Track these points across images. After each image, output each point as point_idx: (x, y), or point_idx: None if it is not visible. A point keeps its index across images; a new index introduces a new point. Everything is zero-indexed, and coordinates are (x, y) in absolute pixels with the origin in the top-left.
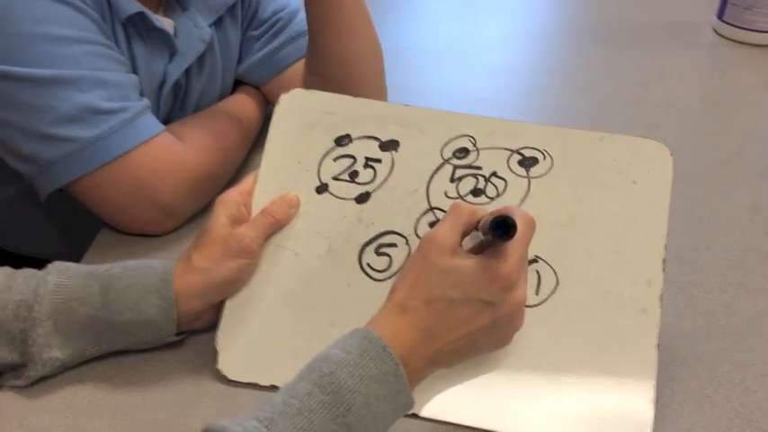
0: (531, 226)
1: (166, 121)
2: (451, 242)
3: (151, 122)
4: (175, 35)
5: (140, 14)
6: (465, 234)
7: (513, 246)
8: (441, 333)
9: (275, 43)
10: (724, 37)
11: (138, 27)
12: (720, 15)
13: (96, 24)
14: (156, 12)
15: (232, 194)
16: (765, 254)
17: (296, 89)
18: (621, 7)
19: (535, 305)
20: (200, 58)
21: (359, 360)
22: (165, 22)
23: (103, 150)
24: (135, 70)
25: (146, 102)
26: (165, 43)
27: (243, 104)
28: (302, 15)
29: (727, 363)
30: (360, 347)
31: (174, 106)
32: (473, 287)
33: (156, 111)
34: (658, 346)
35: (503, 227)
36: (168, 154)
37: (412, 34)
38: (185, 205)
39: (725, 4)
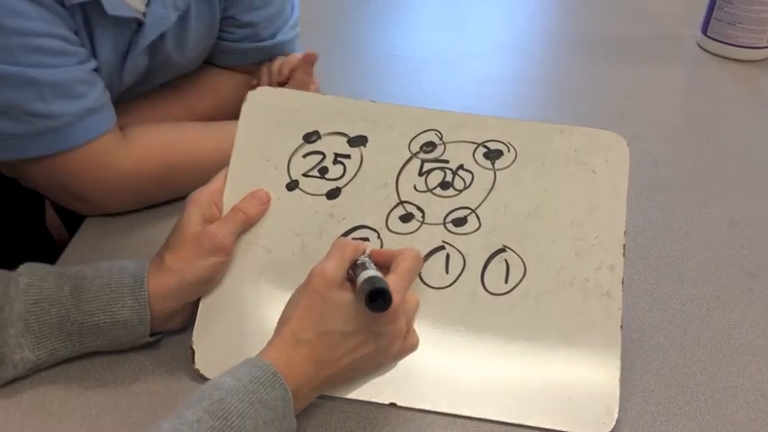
0: (419, 260)
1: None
2: (340, 277)
3: (84, 130)
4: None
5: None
6: (350, 267)
7: (398, 282)
8: (330, 362)
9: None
10: (708, 51)
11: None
12: (705, 30)
13: (47, 9)
14: None
15: (203, 194)
16: (741, 267)
17: (262, 87)
18: (607, 20)
19: (504, 293)
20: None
21: (249, 386)
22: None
23: (28, 147)
24: (95, 46)
25: (85, 105)
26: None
27: (216, 79)
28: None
29: (700, 374)
30: (250, 374)
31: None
32: (364, 320)
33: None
34: (622, 327)
35: (380, 301)
36: (95, 164)
37: (401, 41)
38: (112, 202)
39: (709, 19)
